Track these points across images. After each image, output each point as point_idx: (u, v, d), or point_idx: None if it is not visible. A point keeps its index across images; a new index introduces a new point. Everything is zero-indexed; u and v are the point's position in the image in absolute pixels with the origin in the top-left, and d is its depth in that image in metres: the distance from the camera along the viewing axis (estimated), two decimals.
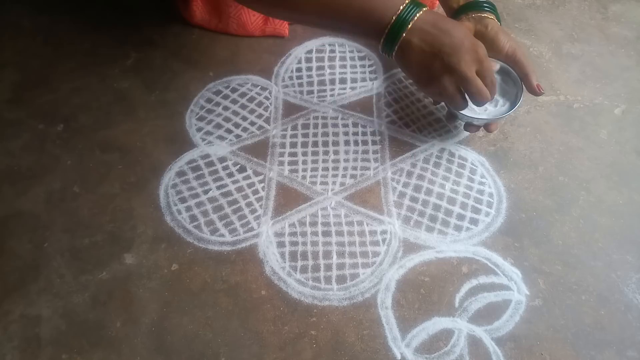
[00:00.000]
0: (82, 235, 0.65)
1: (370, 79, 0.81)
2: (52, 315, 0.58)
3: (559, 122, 0.76)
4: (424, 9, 0.60)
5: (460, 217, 0.66)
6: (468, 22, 0.68)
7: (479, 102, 0.63)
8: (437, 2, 0.89)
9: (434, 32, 0.59)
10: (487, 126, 0.68)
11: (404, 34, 0.59)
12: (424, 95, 0.79)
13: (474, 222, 0.66)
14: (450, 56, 0.58)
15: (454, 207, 0.67)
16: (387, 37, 0.60)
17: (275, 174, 0.70)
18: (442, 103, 0.76)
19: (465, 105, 0.64)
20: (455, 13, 0.70)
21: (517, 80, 0.67)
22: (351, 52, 0.85)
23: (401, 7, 0.59)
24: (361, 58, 0.84)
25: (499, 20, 0.69)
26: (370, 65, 0.83)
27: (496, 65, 0.68)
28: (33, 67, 0.83)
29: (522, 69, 0.66)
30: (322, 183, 0.69)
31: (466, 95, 0.63)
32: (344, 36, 0.86)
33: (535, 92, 0.66)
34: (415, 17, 0.59)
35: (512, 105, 0.67)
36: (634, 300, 0.59)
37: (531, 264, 0.62)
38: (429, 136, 0.74)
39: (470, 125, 0.69)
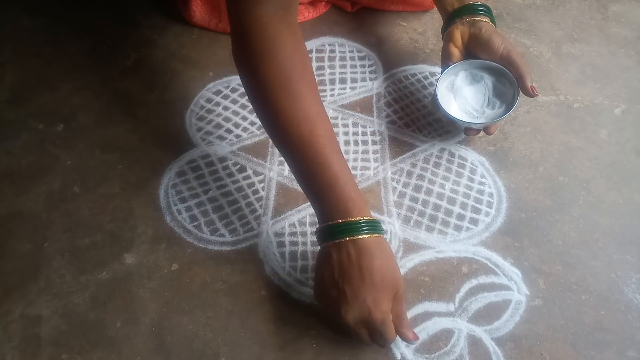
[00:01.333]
0: (82, 235, 0.65)
1: (370, 79, 0.81)
2: (52, 315, 0.58)
3: (559, 122, 0.76)
4: (374, 235, 0.52)
5: (460, 217, 0.66)
6: (462, 27, 0.68)
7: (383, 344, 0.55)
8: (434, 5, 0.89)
9: (353, 265, 0.51)
10: (487, 129, 0.69)
11: (331, 243, 0.52)
12: (424, 96, 0.79)
13: (474, 222, 0.66)
14: (344, 302, 0.51)
15: (454, 207, 0.67)
16: (320, 231, 0.54)
17: (275, 174, 0.70)
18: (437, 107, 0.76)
19: (364, 341, 0.54)
20: (450, 17, 0.70)
21: (513, 81, 0.67)
22: (351, 52, 0.85)
23: (350, 219, 0.52)
24: (361, 58, 0.84)
25: (494, 23, 0.69)
26: (370, 65, 0.83)
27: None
28: (33, 67, 0.83)
29: (517, 70, 0.66)
30: None
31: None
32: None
33: (529, 93, 0.66)
34: (354, 237, 0.51)
35: (509, 106, 0.67)
36: (634, 300, 0.59)
37: (531, 264, 0.62)
38: (429, 136, 0.74)
39: (469, 129, 0.70)
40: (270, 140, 0.73)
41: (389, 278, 0.52)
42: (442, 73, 0.70)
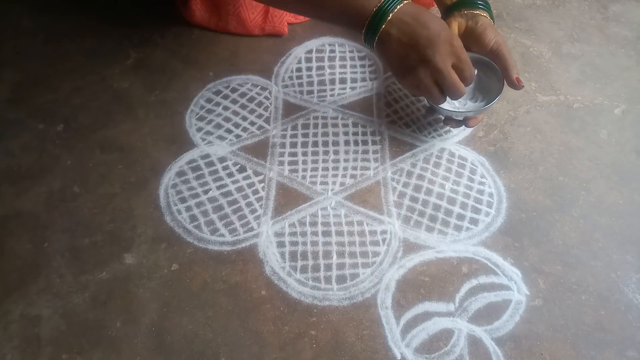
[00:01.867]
0: (82, 235, 0.65)
1: (370, 79, 0.81)
2: (52, 315, 0.59)
3: (559, 122, 0.76)
4: (405, 1, 0.60)
5: (460, 217, 0.66)
6: (460, 19, 0.68)
7: (454, 96, 0.63)
8: (432, 4, 0.89)
9: (412, 24, 0.59)
10: (467, 121, 0.68)
11: (384, 25, 0.59)
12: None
13: (474, 222, 0.66)
14: (426, 48, 0.59)
15: (454, 207, 0.67)
16: (368, 29, 0.61)
17: (275, 174, 0.70)
18: (422, 98, 0.76)
19: (443, 100, 0.64)
20: (448, 9, 0.70)
21: (500, 79, 0.67)
22: (351, 52, 0.85)
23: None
24: (361, 58, 0.84)
25: (492, 18, 0.69)
26: (370, 65, 0.83)
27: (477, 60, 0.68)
28: (33, 67, 0.83)
29: (504, 63, 0.66)
30: (322, 183, 0.69)
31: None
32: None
33: (514, 85, 0.65)
34: (396, 9, 0.59)
35: (491, 100, 0.67)
36: (634, 300, 0.59)
37: (531, 264, 0.62)
38: (429, 136, 0.74)
39: (450, 120, 0.69)
40: (270, 140, 0.73)
41: (441, 20, 0.62)
42: None
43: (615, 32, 0.89)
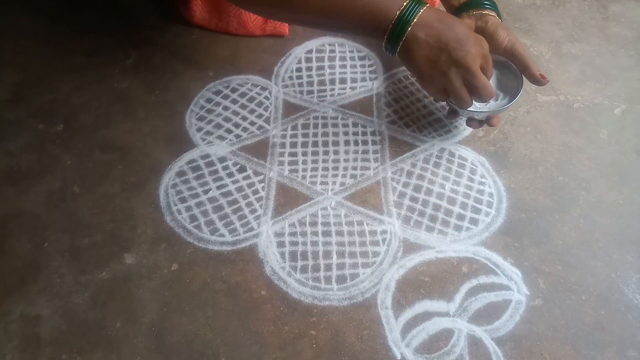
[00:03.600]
0: (82, 235, 0.65)
1: (370, 79, 0.81)
2: (52, 315, 0.58)
3: (559, 122, 0.76)
4: (426, 5, 0.60)
5: (460, 217, 0.66)
6: (469, 19, 0.68)
7: (483, 98, 0.63)
8: (437, 1, 0.89)
9: (439, 27, 0.59)
10: (489, 121, 0.68)
11: (409, 30, 0.59)
12: (424, 95, 0.79)
13: (474, 222, 0.66)
14: (457, 50, 0.59)
15: (454, 207, 0.67)
16: (391, 35, 0.60)
17: (275, 174, 0.70)
18: (443, 103, 0.76)
19: (471, 103, 0.64)
20: (456, 10, 0.70)
21: (517, 73, 0.67)
22: (351, 52, 0.85)
23: (404, 4, 0.59)
24: (361, 58, 0.84)
25: (500, 17, 0.69)
26: (370, 65, 0.83)
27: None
28: (33, 67, 0.83)
29: (522, 61, 0.66)
30: (322, 183, 0.69)
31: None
32: (346, 35, 0.86)
33: (539, 81, 0.66)
34: (419, 13, 0.59)
35: (513, 98, 0.67)
36: (634, 300, 0.59)
37: (531, 264, 0.62)
38: (429, 136, 0.74)
39: (472, 121, 0.69)
40: (270, 140, 0.73)
41: (465, 23, 0.63)
42: None
43: (615, 32, 0.89)
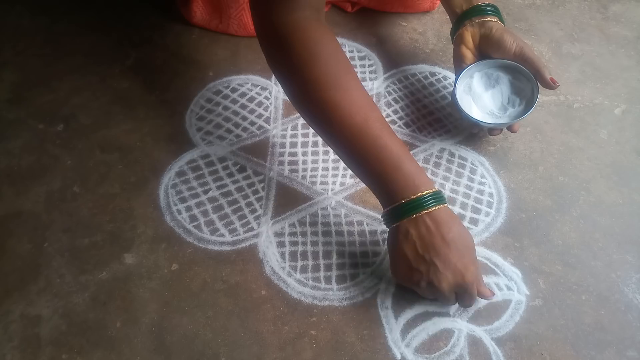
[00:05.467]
0: (82, 235, 0.65)
1: (370, 79, 0.81)
2: (52, 315, 0.58)
3: (559, 122, 0.76)
4: (442, 205, 0.54)
5: (460, 217, 0.66)
6: (472, 28, 0.69)
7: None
8: (437, 3, 0.89)
9: (435, 236, 0.53)
10: (511, 127, 0.69)
11: (406, 219, 0.54)
12: (424, 95, 0.79)
13: (474, 222, 0.66)
14: (436, 273, 0.53)
15: (454, 207, 0.67)
16: (391, 211, 0.56)
17: (275, 174, 0.70)
18: (443, 103, 0.76)
19: (450, 302, 0.58)
20: (459, 19, 0.70)
21: (529, 75, 0.67)
22: (351, 52, 0.85)
23: (420, 194, 0.54)
24: (361, 58, 0.84)
25: (502, 22, 0.69)
26: (370, 65, 0.83)
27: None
28: (33, 67, 0.83)
29: (533, 66, 0.67)
30: (322, 183, 0.69)
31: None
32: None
33: (550, 85, 0.66)
34: (428, 210, 0.53)
35: (530, 101, 0.68)
36: (634, 300, 0.59)
37: (531, 264, 0.62)
38: (429, 136, 0.74)
39: (493, 130, 0.70)
40: (270, 140, 0.73)
41: (469, 241, 0.55)
42: (456, 76, 0.70)
43: (615, 32, 0.89)
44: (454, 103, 0.70)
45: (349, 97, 0.56)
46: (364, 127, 0.55)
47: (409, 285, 0.58)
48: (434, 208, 0.54)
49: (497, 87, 0.70)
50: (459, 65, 0.71)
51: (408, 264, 0.55)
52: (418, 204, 0.54)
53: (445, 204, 0.55)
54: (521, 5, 0.94)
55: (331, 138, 0.59)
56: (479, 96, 0.70)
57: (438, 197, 0.54)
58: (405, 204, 0.54)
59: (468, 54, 0.70)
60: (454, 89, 0.70)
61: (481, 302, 0.59)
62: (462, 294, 0.55)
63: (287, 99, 0.78)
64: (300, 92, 0.58)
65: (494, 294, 0.57)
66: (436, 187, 0.55)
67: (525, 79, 0.69)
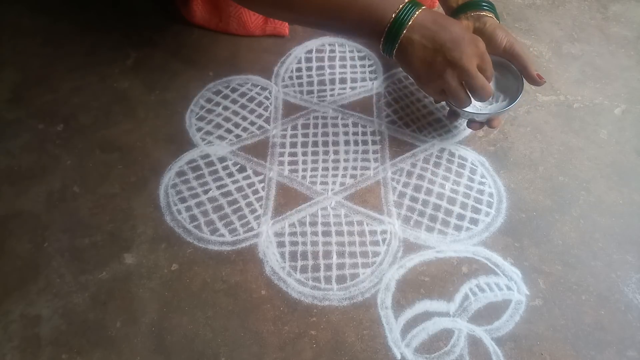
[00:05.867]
0: (82, 235, 0.65)
1: (370, 79, 0.81)
2: (52, 315, 0.58)
3: (559, 122, 0.76)
4: (422, 7, 0.60)
5: (460, 217, 0.66)
6: (467, 21, 0.69)
7: (482, 97, 0.63)
8: (437, 1, 0.89)
9: (434, 29, 0.59)
10: (490, 122, 0.68)
11: (405, 32, 0.59)
12: (424, 95, 0.79)
13: (474, 222, 0.66)
14: (452, 51, 0.59)
15: (454, 207, 0.67)
16: (387, 37, 0.61)
17: (275, 174, 0.70)
18: (443, 103, 0.76)
19: (469, 102, 0.64)
20: (455, 12, 0.70)
21: (517, 74, 0.67)
22: (351, 52, 0.85)
23: (400, 6, 0.59)
24: (361, 58, 0.84)
25: (497, 18, 0.69)
26: (370, 65, 0.83)
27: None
28: (33, 67, 0.83)
29: (520, 61, 0.66)
30: (322, 183, 0.69)
31: (468, 92, 0.63)
32: (345, 37, 0.86)
33: (536, 81, 0.66)
34: (415, 15, 0.59)
35: (513, 99, 0.67)
36: (634, 300, 0.59)
37: (531, 264, 0.62)
38: (429, 136, 0.74)
39: (472, 122, 0.69)
40: (270, 140, 0.73)
41: (460, 23, 0.62)
42: None
43: (615, 32, 0.89)
44: None
45: None
46: None
47: (439, 87, 0.62)
48: (419, 11, 0.60)
49: None
50: None
51: (427, 64, 0.60)
52: (405, 14, 0.59)
53: (424, 6, 0.61)
54: (521, 5, 0.94)
55: (302, 6, 0.62)
56: None
57: (415, 2, 0.60)
58: (396, 18, 0.59)
59: None
60: None
61: (481, 302, 0.59)
62: (482, 71, 0.61)
63: (288, 99, 0.78)
64: None
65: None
66: None
67: (512, 77, 0.68)
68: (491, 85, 0.69)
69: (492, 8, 0.69)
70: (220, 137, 0.74)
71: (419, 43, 0.60)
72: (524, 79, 0.67)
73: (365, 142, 0.74)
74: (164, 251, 0.63)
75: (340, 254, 0.63)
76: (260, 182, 0.70)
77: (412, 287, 0.60)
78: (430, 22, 0.60)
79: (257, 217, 0.66)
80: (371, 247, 0.64)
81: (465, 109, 0.66)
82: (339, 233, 0.65)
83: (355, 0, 0.60)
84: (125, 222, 0.66)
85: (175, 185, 0.69)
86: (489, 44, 0.67)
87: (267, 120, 0.76)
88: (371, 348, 0.56)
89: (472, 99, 0.64)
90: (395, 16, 0.59)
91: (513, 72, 0.68)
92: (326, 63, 0.83)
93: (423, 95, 0.79)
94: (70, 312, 0.59)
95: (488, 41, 0.67)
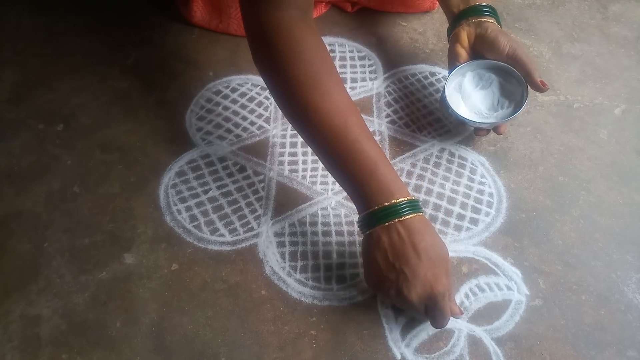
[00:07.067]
0: (82, 235, 0.65)
1: (370, 79, 0.81)
2: (52, 315, 0.58)
3: (559, 122, 0.76)
4: (417, 214, 0.54)
5: (460, 217, 0.66)
6: (468, 27, 0.69)
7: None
8: (437, 3, 0.89)
9: (406, 244, 0.52)
10: (497, 129, 0.69)
11: (378, 227, 0.53)
12: (424, 95, 0.79)
13: (474, 222, 0.66)
14: (405, 281, 0.52)
15: (454, 207, 0.67)
16: (364, 217, 0.55)
17: (275, 174, 0.70)
18: (442, 103, 0.76)
19: (421, 316, 0.57)
20: (456, 18, 0.70)
21: (520, 79, 0.67)
22: (351, 52, 0.85)
23: (394, 201, 0.53)
24: (361, 58, 0.84)
25: (499, 23, 0.69)
26: (370, 65, 0.83)
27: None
28: (33, 67, 0.83)
29: (524, 67, 0.66)
30: (322, 183, 0.69)
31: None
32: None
33: (539, 88, 0.66)
34: (402, 218, 0.53)
35: (518, 105, 0.67)
36: (634, 300, 0.59)
37: (531, 264, 0.62)
38: (429, 136, 0.74)
39: (479, 130, 0.70)
40: (270, 140, 0.73)
41: (442, 253, 0.54)
42: (449, 74, 0.70)
43: (615, 32, 0.89)
44: (442, 99, 0.70)
45: (329, 99, 0.56)
46: (342, 129, 0.55)
47: (380, 293, 0.57)
48: (408, 216, 0.53)
49: (488, 88, 0.70)
50: (452, 64, 0.71)
51: (379, 272, 0.54)
52: (392, 211, 0.53)
53: (421, 213, 0.54)
54: (521, 5, 0.94)
55: (310, 139, 0.59)
56: (468, 95, 0.70)
57: (413, 206, 0.54)
58: (378, 210, 0.53)
59: (462, 52, 0.70)
60: (445, 86, 0.70)
61: (481, 302, 0.59)
62: (433, 308, 0.53)
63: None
64: (282, 91, 0.58)
65: (462, 314, 0.57)
66: (413, 195, 0.55)
67: (517, 82, 0.69)
68: (496, 92, 0.70)
69: (493, 13, 0.69)
70: (220, 137, 0.74)
71: (382, 248, 0.53)
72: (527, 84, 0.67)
73: None
74: (164, 251, 0.63)
75: (340, 254, 0.63)
76: (260, 182, 0.69)
77: None
78: (409, 233, 0.52)
79: (257, 217, 0.66)
80: None
81: (471, 119, 0.68)
82: (339, 233, 0.65)
83: (366, 163, 0.54)
84: (125, 222, 0.66)
85: (176, 185, 0.69)
86: (491, 50, 0.68)
87: (267, 120, 0.76)
88: (371, 348, 0.56)
89: (478, 106, 0.66)
90: (381, 207, 0.53)
91: (517, 77, 0.68)
92: None
93: (423, 95, 0.79)
94: (70, 312, 0.59)
95: (490, 47, 0.67)
